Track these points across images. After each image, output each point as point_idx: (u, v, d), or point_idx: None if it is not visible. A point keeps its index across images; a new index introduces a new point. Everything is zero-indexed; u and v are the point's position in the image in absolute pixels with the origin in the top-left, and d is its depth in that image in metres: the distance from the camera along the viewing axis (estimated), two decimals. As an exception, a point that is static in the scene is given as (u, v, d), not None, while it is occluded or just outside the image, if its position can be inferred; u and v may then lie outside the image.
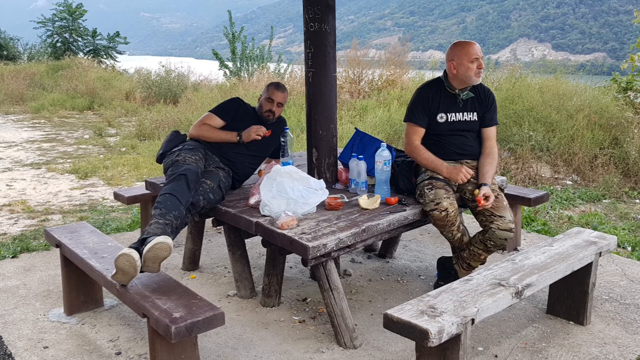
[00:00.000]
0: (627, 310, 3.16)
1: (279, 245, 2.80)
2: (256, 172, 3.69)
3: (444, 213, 2.98)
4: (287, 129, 3.59)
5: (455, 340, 2.11)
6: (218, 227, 3.49)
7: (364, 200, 3.06)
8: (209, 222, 3.59)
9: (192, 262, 3.82)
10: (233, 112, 3.56)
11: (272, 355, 2.72)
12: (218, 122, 3.51)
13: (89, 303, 3.19)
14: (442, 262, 3.41)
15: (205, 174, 3.18)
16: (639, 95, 8.07)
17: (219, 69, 16.87)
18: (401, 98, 10.25)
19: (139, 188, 4.32)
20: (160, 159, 3.39)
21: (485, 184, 3.07)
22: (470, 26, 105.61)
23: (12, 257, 4.07)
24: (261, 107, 3.61)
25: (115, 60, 23.37)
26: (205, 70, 16.49)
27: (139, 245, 2.54)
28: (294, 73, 14.22)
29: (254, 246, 4.05)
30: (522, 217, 4.52)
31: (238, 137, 3.45)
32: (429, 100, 3.21)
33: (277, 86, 3.60)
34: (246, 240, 3.40)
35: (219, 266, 3.89)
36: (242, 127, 3.49)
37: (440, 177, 3.13)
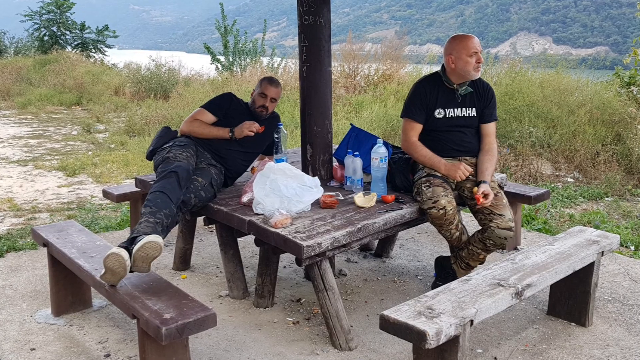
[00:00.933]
0: (630, 311, 3.13)
1: (272, 245, 2.77)
2: (249, 169, 3.64)
3: (442, 211, 2.94)
4: (281, 124, 3.56)
5: (453, 342, 2.08)
6: (210, 226, 3.46)
7: (359, 198, 3.03)
8: (200, 220, 3.54)
9: (183, 261, 3.78)
10: (225, 107, 3.53)
11: (265, 357, 2.69)
12: (210, 118, 3.48)
13: (77, 304, 3.16)
14: (440, 262, 3.37)
15: (196, 171, 3.15)
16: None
17: (211, 64, 16.76)
18: (398, 93, 10.22)
19: (129, 186, 4.28)
20: (150, 155, 3.36)
21: (484, 182, 3.04)
22: (469, 19, 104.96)
23: (-2, 257, 4.00)
24: (254, 102, 3.56)
25: (104, 54, 23.13)
26: (197, 65, 16.41)
27: (128, 245, 2.51)
28: (287, 67, 14.13)
29: (247, 245, 4.01)
30: (522, 215, 4.49)
31: (230, 134, 3.42)
32: (426, 96, 3.17)
33: (270, 81, 3.56)
34: (239, 240, 3.36)
35: (211, 266, 3.84)
36: (235, 123, 3.45)
37: (438, 174, 3.10)
